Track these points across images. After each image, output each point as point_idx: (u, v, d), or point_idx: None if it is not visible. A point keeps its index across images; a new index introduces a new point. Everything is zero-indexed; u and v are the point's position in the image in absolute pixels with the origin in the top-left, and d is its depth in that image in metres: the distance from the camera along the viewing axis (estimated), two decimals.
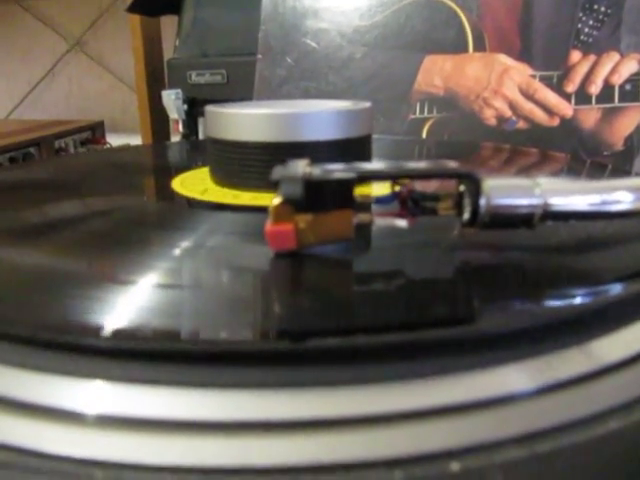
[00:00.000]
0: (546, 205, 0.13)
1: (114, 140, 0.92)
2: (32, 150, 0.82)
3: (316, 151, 0.20)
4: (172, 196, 0.21)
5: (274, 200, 0.13)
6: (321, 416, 0.09)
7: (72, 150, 0.89)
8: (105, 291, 0.13)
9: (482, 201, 0.13)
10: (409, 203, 0.13)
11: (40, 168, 0.30)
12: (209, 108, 0.22)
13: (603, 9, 0.38)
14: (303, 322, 0.11)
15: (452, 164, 0.14)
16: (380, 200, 0.13)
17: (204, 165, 0.25)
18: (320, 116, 0.20)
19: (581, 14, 0.38)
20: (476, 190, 0.13)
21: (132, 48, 0.66)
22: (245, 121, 0.21)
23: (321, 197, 0.13)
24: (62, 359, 0.11)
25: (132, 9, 0.56)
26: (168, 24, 0.72)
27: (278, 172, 0.13)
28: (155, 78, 0.70)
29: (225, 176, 0.22)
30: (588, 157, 0.38)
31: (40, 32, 1.12)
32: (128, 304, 0.12)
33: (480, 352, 0.10)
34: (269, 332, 0.11)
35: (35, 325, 0.11)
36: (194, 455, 0.09)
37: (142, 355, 0.10)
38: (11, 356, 0.11)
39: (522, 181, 0.13)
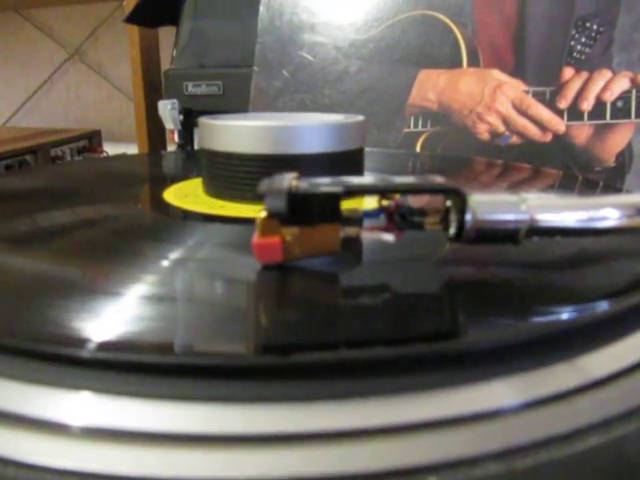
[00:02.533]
0: (532, 221, 0.14)
1: (111, 149, 0.92)
2: (28, 158, 0.82)
3: (307, 164, 0.20)
4: (163, 207, 0.21)
5: (261, 213, 0.13)
6: (301, 430, 0.09)
7: (69, 158, 0.89)
8: (92, 302, 0.13)
9: (468, 216, 0.13)
10: (396, 217, 0.14)
11: (34, 176, 0.30)
12: (202, 120, 0.22)
13: (595, 27, 0.38)
14: (287, 337, 0.11)
15: (439, 179, 0.14)
16: (367, 214, 0.14)
17: (197, 176, 0.25)
18: (311, 129, 0.20)
19: (574, 31, 0.39)
20: (462, 205, 0.13)
21: (130, 58, 0.67)
22: (236, 133, 0.21)
23: (307, 210, 0.13)
24: (47, 370, 0.11)
25: (130, 20, 0.57)
26: (165, 35, 0.73)
27: (264, 185, 0.13)
28: (152, 88, 0.71)
29: (217, 187, 0.22)
30: (580, 173, 0.38)
31: (39, 41, 1.12)
32: (115, 316, 0.12)
33: (463, 368, 0.10)
34: (255, 346, 0.11)
35: (21, 335, 0.11)
36: (176, 467, 0.09)
37: (128, 367, 0.10)
38: None
39: (508, 197, 0.13)
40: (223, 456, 0.09)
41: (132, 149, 0.93)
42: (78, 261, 0.16)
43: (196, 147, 0.51)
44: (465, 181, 0.30)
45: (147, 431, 0.10)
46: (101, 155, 0.91)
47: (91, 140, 0.92)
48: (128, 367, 0.10)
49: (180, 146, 0.48)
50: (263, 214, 0.13)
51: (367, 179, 0.13)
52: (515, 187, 0.29)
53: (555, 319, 0.12)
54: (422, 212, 0.14)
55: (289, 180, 0.12)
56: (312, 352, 0.10)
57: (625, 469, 0.09)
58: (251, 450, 0.09)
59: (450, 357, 0.10)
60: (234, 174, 0.21)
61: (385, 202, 0.14)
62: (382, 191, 0.13)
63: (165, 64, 0.75)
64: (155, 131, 0.74)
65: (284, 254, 0.13)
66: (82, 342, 0.11)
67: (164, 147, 0.78)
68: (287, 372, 0.10)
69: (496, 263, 0.15)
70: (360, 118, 0.23)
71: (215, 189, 0.22)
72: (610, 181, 0.38)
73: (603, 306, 0.13)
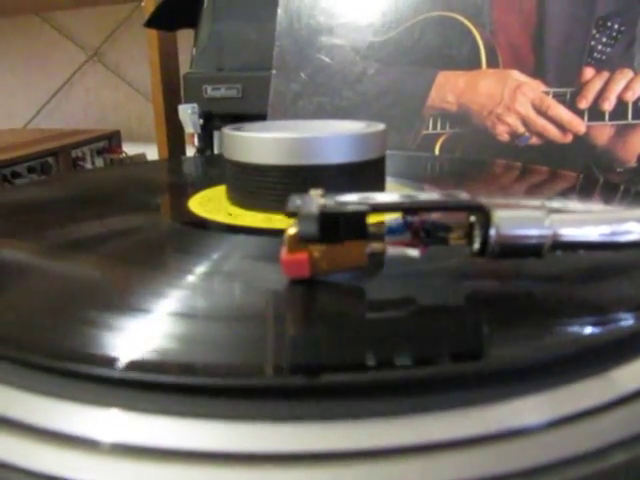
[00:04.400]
0: (555, 236, 0.14)
1: (130, 149, 0.93)
2: (50, 160, 0.83)
3: (330, 174, 0.21)
4: (189, 217, 0.22)
5: (289, 230, 0.14)
6: (334, 449, 0.09)
7: (89, 159, 0.91)
8: (122, 320, 0.13)
9: (492, 232, 0.13)
10: (421, 233, 0.14)
11: (61, 185, 0.30)
12: (226, 130, 0.23)
13: (616, 26, 0.38)
14: (316, 357, 0.11)
15: (463, 195, 0.14)
16: (392, 230, 0.14)
17: (220, 182, 0.25)
18: (333, 140, 0.21)
19: (594, 31, 0.38)
20: (486, 221, 0.13)
21: (149, 61, 0.67)
22: (260, 145, 0.21)
23: (335, 228, 0.13)
24: (79, 388, 0.11)
25: (150, 24, 0.57)
26: (184, 37, 0.73)
27: (294, 203, 0.13)
28: (171, 89, 0.71)
29: (241, 197, 0.22)
30: (601, 173, 0.38)
31: (58, 43, 1.14)
32: (144, 334, 0.13)
33: (489, 386, 0.11)
34: (282, 367, 0.11)
35: (52, 354, 0.12)
36: None
37: (156, 387, 0.11)
38: (31, 383, 0.11)
39: (532, 212, 0.14)
40: (249, 474, 0.10)
41: (151, 149, 0.94)
42: (108, 275, 0.16)
43: (216, 150, 0.52)
44: (484, 185, 0.30)
45: (175, 448, 0.10)
46: (120, 156, 0.92)
47: (110, 141, 0.94)
48: (156, 386, 0.11)
49: (200, 150, 0.49)
50: (291, 231, 0.13)
51: (392, 196, 0.14)
52: (535, 191, 0.29)
53: (580, 336, 0.12)
54: (446, 228, 0.14)
55: (318, 202, 0.13)
56: (342, 373, 0.11)
57: None
58: (279, 468, 0.10)
59: (477, 376, 0.11)
60: (258, 184, 0.21)
61: (410, 217, 0.14)
62: (407, 209, 0.13)
63: (183, 65, 0.76)
64: (174, 132, 0.75)
65: (312, 269, 0.14)
66: (112, 362, 0.11)
67: (183, 148, 0.79)
68: (315, 391, 0.10)
69: (520, 277, 0.15)
70: (381, 127, 0.23)
71: (240, 198, 0.22)
72: (632, 182, 0.37)
73: (630, 321, 0.13)
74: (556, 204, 0.25)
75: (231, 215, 0.21)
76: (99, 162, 0.91)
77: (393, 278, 0.15)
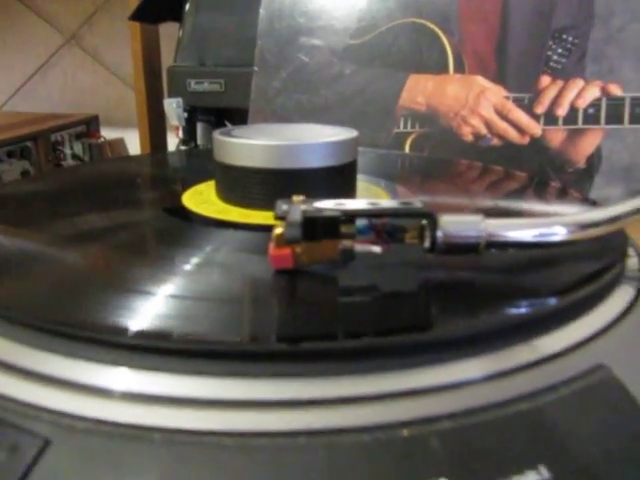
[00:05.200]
0: (489, 237, 0.17)
1: (108, 134, 0.94)
2: (29, 144, 0.84)
3: (309, 176, 0.24)
4: (184, 213, 0.25)
5: (276, 230, 0.17)
6: (311, 397, 0.13)
7: (67, 144, 0.91)
8: (131, 300, 0.16)
9: (439, 233, 0.17)
10: (383, 234, 0.17)
11: (57, 179, 0.33)
12: (216, 135, 0.26)
13: (571, 39, 0.42)
14: (297, 329, 0.15)
15: (417, 203, 0.17)
16: (360, 231, 0.17)
17: (208, 178, 0.28)
18: (313, 147, 0.24)
19: (551, 43, 0.42)
20: (434, 225, 0.17)
21: (131, 51, 0.69)
22: (248, 150, 0.24)
23: (313, 229, 0.16)
24: (100, 350, 0.14)
25: (135, 17, 0.59)
26: (166, 26, 0.75)
27: (280, 209, 0.16)
28: (153, 79, 0.73)
29: (230, 195, 0.25)
30: (554, 174, 0.42)
31: (36, 25, 1.13)
32: (147, 311, 0.16)
33: (436, 351, 0.14)
34: (269, 336, 0.15)
35: (79, 325, 0.15)
36: (184, 420, 0.13)
37: (156, 351, 0.14)
38: (62, 347, 0.14)
39: (471, 217, 0.17)
40: (236, 415, 0.13)
41: (129, 134, 0.96)
42: (119, 263, 0.19)
43: (199, 141, 0.54)
44: (448, 183, 0.34)
45: (167, 395, 0.13)
46: (99, 140, 0.93)
47: (89, 125, 0.94)
48: (156, 350, 0.14)
49: (184, 141, 0.51)
50: (278, 230, 0.17)
51: (360, 203, 0.17)
52: (492, 190, 0.33)
53: (509, 312, 0.16)
54: (403, 229, 0.17)
55: (300, 208, 0.16)
56: (317, 341, 0.14)
57: (543, 430, 0.13)
58: (244, 411, 0.13)
59: (429, 343, 0.14)
60: (244, 184, 0.24)
61: (374, 220, 0.17)
62: (372, 215, 0.16)
63: (164, 53, 0.77)
64: (155, 121, 0.76)
65: (294, 262, 0.17)
66: (122, 331, 0.14)
67: (164, 136, 0.80)
68: (296, 355, 0.14)
69: (463, 269, 0.18)
70: (354, 134, 0.26)
71: (228, 196, 0.25)
72: (581, 182, 0.41)
73: (552, 301, 0.17)
74: (503, 203, 0.28)
75: (221, 211, 0.24)
76: (77, 147, 0.92)
77: (360, 269, 0.18)
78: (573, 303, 0.17)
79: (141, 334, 0.14)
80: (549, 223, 0.18)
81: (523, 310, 0.16)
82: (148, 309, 0.16)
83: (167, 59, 0.72)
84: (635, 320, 0.18)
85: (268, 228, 0.18)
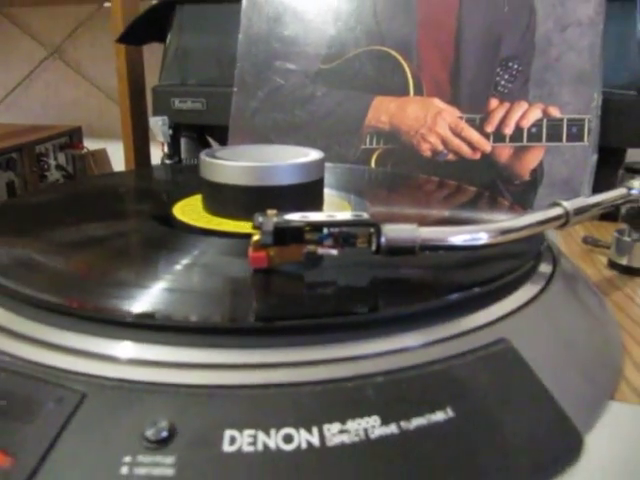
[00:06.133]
0: (422, 241, 0.22)
1: (90, 145, 0.97)
2: (14, 155, 0.87)
3: (282, 192, 0.28)
4: (176, 223, 0.29)
5: (254, 237, 0.21)
6: (283, 361, 0.17)
7: (52, 155, 0.94)
8: (134, 291, 0.21)
9: (382, 239, 0.21)
10: (339, 239, 0.22)
11: (62, 194, 0.37)
12: (202, 156, 0.30)
13: (516, 67, 0.47)
14: (270, 310, 0.19)
15: (366, 216, 0.22)
16: (321, 237, 0.22)
17: (195, 192, 0.33)
18: (285, 167, 0.28)
19: (499, 70, 0.47)
20: (379, 232, 0.21)
21: (117, 70, 0.73)
22: (230, 170, 0.28)
23: (283, 236, 0.21)
24: (108, 328, 0.19)
25: (121, 40, 0.63)
26: (149, 45, 0.79)
27: (257, 220, 0.21)
28: (136, 93, 0.77)
29: (214, 208, 0.30)
30: (503, 185, 0.47)
31: (19, 39, 1.16)
32: (145, 299, 0.20)
33: (383, 326, 0.19)
34: (249, 316, 0.19)
35: (91, 309, 0.19)
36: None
37: (153, 328, 0.18)
38: (73, 326, 0.19)
39: (407, 226, 0.22)
40: (212, 374, 0.17)
41: (110, 144, 0.99)
42: (120, 263, 0.24)
43: (183, 155, 0.59)
44: (402, 197, 0.39)
45: (167, 361, 0.18)
46: (82, 151, 0.96)
47: (72, 137, 0.97)
48: (153, 327, 0.18)
49: (169, 156, 0.55)
50: (255, 237, 0.21)
51: (320, 215, 0.22)
52: (438, 202, 0.37)
53: (440, 297, 0.21)
54: (355, 236, 0.22)
55: (272, 220, 0.20)
56: (286, 320, 0.18)
57: (451, 384, 0.18)
58: (246, 372, 0.17)
59: (376, 321, 0.19)
60: (227, 198, 0.29)
61: (332, 229, 0.22)
62: (329, 225, 0.21)
63: (147, 67, 0.81)
64: (138, 134, 0.80)
65: (268, 262, 0.21)
66: (125, 313, 0.19)
67: (147, 148, 0.84)
68: (269, 330, 0.18)
69: (403, 266, 0.23)
70: (320, 155, 0.31)
71: (213, 209, 0.30)
72: (526, 193, 0.47)
73: (475, 289, 0.21)
74: (449, 213, 0.33)
75: (207, 221, 0.29)
76: (61, 158, 0.95)
77: (321, 267, 0.23)
78: (486, 293, 0.22)
79: (142, 316, 0.19)
80: (474, 230, 0.23)
81: (447, 298, 0.21)
82: (149, 299, 0.20)
83: (150, 76, 0.76)
84: (535, 308, 0.22)
85: (247, 236, 0.22)
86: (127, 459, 0.15)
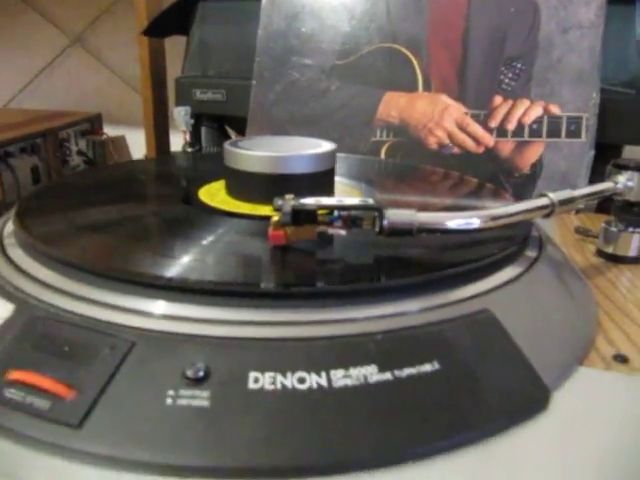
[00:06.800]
0: (420, 224, 0.25)
1: (110, 131, 1.01)
2: (39, 141, 0.91)
3: (298, 180, 0.32)
4: (202, 205, 0.32)
5: (274, 217, 0.25)
6: (295, 320, 0.21)
7: (73, 140, 0.98)
8: (175, 261, 0.24)
9: (385, 221, 0.25)
10: (348, 221, 0.25)
11: (93, 179, 0.41)
12: (226, 146, 0.33)
13: (519, 66, 0.50)
14: (287, 278, 0.23)
15: (371, 201, 0.25)
16: (332, 219, 0.25)
17: (218, 178, 0.36)
18: (301, 157, 0.32)
19: (503, 68, 0.50)
20: (382, 216, 0.25)
21: (139, 60, 0.76)
22: (251, 159, 0.32)
23: (299, 218, 0.24)
24: (155, 290, 0.22)
25: (146, 33, 0.66)
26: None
27: (277, 203, 0.24)
28: (158, 83, 0.80)
29: (237, 192, 0.33)
30: (504, 177, 0.50)
31: (41, 26, 1.19)
32: (177, 267, 0.24)
33: (387, 293, 0.22)
34: (268, 282, 0.23)
35: (132, 274, 0.23)
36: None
37: (185, 290, 0.22)
38: (124, 289, 0.22)
39: (407, 211, 0.25)
40: (235, 329, 0.21)
41: (130, 132, 1.02)
42: (153, 239, 0.27)
43: (204, 144, 0.62)
44: (409, 186, 0.42)
45: (198, 317, 0.21)
46: (102, 137, 1.00)
47: (93, 123, 1.01)
48: (185, 290, 0.22)
49: (190, 144, 0.59)
50: (275, 218, 0.25)
51: (331, 200, 0.25)
52: (442, 191, 0.41)
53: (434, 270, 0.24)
54: (361, 218, 0.25)
55: (290, 203, 0.24)
56: (300, 287, 0.22)
57: (439, 342, 0.21)
58: (264, 329, 0.21)
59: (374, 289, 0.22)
60: (248, 184, 0.32)
61: (341, 212, 0.25)
62: (339, 208, 0.24)
63: (169, 62, 0.84)
64: (159, 121, 0.84)
65: (286, 240, 0.25)
66: (159, 277, 0.22)
67: (167, 135, 0.88)
68: (287, 295, 0.22)
69: (409, 247, 0.26)
70: (333, 146, 0.34)
71: (236, 194, 0.33)
72: (526, 185, 0.50)
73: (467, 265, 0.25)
74: (450, 201, 0.36)
75: (230, 204, 0.32)
76: (82, 143, 0.99)
77: (331, 245, 0.26)
78: (474, 269, 0.25)
79: (182, 280, 0.23)
80: (467, 215, 0.26)
81: (439, 272, 0.24)
82: (187, 267, 0.24)
83: (171, 67, 0.79)
84: (517, 286, 0.26)
85: (267, 218, 0.26)
86: (171, 392, 0.18)
